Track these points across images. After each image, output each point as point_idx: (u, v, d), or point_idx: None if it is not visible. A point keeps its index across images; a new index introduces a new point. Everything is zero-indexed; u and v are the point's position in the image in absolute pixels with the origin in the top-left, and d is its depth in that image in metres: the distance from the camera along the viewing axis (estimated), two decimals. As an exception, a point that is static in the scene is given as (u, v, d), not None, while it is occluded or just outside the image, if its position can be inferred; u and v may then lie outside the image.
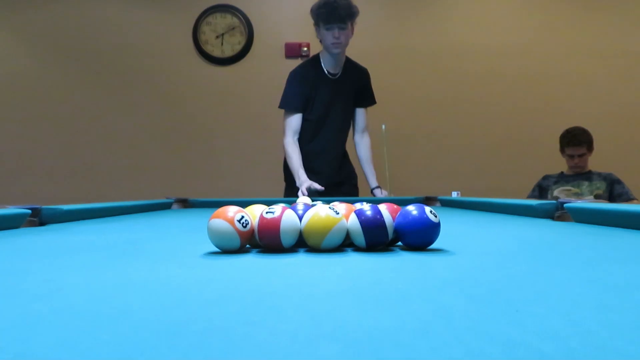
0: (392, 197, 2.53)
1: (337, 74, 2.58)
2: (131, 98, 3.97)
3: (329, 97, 2.56)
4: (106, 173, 3.94)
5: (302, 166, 2.55)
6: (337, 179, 2.69)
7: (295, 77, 2.58)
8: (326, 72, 2.56)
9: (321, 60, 2.57)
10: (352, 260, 0.72)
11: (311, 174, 2.51)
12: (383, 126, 2.75)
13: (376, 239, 0.78)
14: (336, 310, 0.42)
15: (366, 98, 2.70)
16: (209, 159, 3.96)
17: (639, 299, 0.45)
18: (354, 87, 2.63)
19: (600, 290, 0.49)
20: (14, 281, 0.58)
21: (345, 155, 2.77)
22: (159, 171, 3.94)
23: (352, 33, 2.49)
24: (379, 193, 2.66)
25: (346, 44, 2.47)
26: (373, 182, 2.71)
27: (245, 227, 0.77)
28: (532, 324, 0.36)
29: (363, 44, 3.97)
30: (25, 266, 0.69)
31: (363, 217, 0.78)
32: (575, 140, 3.03)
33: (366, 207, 0.80)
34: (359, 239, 0.78)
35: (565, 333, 0.34)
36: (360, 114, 2.73)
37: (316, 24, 2.47)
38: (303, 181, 2.44)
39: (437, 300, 0.46)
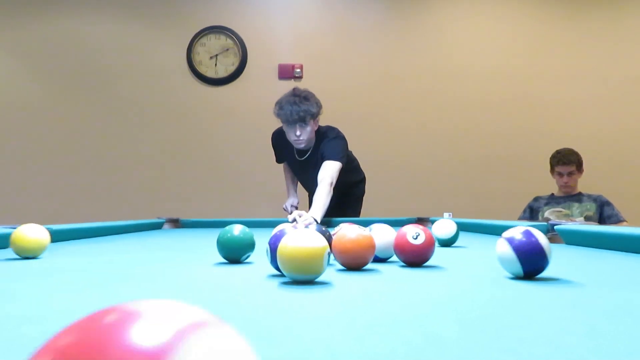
0: (385, 218, 2.53)
1: (305, 155, 2.54)
2: (124, 117, 3.98)
3: (299, 170, 2.64)
4: (97, 193, 3.91)
5: (292, 184, 2.79)
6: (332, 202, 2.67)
7: (272, 140, 2.69)
8: (295, 154, 2.56)
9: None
10: (343, 282, 0.72)
11: None
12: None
13: (535, 265, 0.71)
14: (327, 335, 0.42)
15: (325, 151, 2.42)
16: (201, 179, 3.96)
17: (628, 324, 0.46)
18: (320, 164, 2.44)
19: (590, 315, 0.49)
20: (2, 303, 0.57)
21: (349, 182, 2.68)
22: (150, 191, 3.92)
23: (317, 125, 2.46)
24: (294, 213, 2.30)
25: (310, 139, 2.45)
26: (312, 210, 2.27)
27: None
28: (522, 350, 0.36)
29: (354, 69, 4.02)
30: (14, 288, 0.68)
31: (516, 243, 0.71)
32: (565, 159, 3.09)
33: (515, 232, 0.73)
34: (515, 267, 0.72)
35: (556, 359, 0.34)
36: (322, 166, 2.43)
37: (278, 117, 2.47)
38: (288, 200, 2.76)
39: (427, 324, 0.45)
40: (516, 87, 4.06)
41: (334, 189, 2.34)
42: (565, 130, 3.99)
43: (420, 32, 4.08)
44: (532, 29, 4.11)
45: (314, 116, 2.41)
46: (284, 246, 0.69)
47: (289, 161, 2.70)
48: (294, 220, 2.12)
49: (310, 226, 0.91)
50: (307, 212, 2.27)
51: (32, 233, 1.04)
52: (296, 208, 2.68)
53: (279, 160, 2.76)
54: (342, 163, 2.39)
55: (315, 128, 2.46)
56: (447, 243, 1.33)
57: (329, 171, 2.32)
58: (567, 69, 4.07)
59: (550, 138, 3.88)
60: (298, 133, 2.40)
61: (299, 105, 2.35)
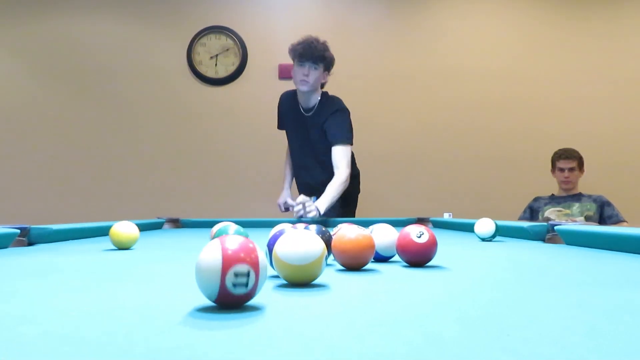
0: (385, 218, 2.53)
1: (312, 110, 2.57)
2: (124, 117, 3.97)
3: (301, 130, 2.62)
4: (97, 192, 3.91)
5: (287, 180, 2.85)
6: (318, 194, 2.67)
7: (279, 101, 2.78)
8: (301, 107, 2.61)
9: (298, 95, 2.62)
10: (343, 282, 0.71)
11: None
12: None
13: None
14: (327, 335, 0.41)
15: (333, 134, 2.47)
16: (201, 179, 3.95)
17: (628, 323, 0.46)
18: (322, 127, 2.53)
19: (590, 315, 0.49)
20: (0, 303, 0.57)
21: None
22: (150, 191, 3.92)
23: (325, 80, 2.55)
24: (290, 200, 2.50)
25: (315, 86, 2.50)
26: (319, 200, 2.38)
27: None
28: (523, 350, 0.36)
29: (354, 69, 4.02)
30: (12, 287, 0.68)
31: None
32: (567, 154, 3.12)
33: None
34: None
35: (557, 359, 0.34)
36: (333, 152, 2.48)
37: (292, 60, 2.54)
38: (282, 195, 2.82)
39: (428, 324, 0.45)
40: (516, 87, 4.06)
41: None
42: (565, 130, 3.99)
43: (420, 31, 4.08)
44: (532, 28, 4.10)
45: (327, 64, 2.50)
46: (277, 259, 0.68)
47: (290, 126, 2.71)
48: (301, 209, 2.22)
49: (310, 227, 0.91)
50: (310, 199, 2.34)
51: (125, 229, 1.25)
52: (285, 208, 2.75)
53: (280, 126, 2.80)
54: (351, 144, 2.52)
55: (324, 81, 2.55)
56: (489, 239, 1.51)
57: (343, 159, 2.42)
58: (567, 69, 4.07)
59: (550, 138, 3.88)
60: (307, 72, 2.44)
61: (317, 46, 2.45)
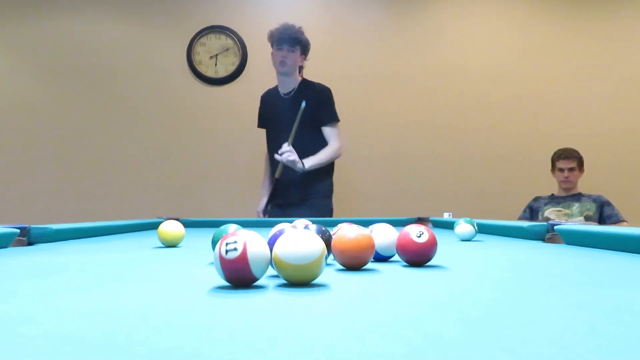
0: (385, 217, 2.53)
1: (290, 93, 2.77)
2: (124, 117, 3.97)
3: (278, 113, 2.79)
4: (96, 192, 3.91)
5: (269, 183, 2.90)
6: (296, 199, 2.73)
7: (260, 100, 2.97)
8: (281, 92, 2.82)
9: (278, 82, 2.86)
10: (343, 282, 0.71)
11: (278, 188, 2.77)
12: (303, 103, 2.66)
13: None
14: (327, 335, 0.41)
15: (322, 116, 2.71)
16: (201, 179, 3.95)
17: (628, 323, 0.46)
18: (307, 105, 2.65)
19: (590, 315, 0.49)
20: (0, 302, 0.57)
21: (312, 173, 2.69)
22: (150, 190, 3.92)
23: (302, 63, 2.76)
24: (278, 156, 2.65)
25: (293, 67, 2.71)
26: (308, 158, 2.65)
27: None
28: (523, 350, 0.36)
29: (354, 68, 4.02)
30: (12, 287, 0.68)
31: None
32: (567, 153, 3.12)
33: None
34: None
35: (556, 359, 0.34)
36: (324, 132, 2.75)
37: (272, 46, 2.76)
38: (261, 201, 2.89)
39: (428, 324, 0.45)
40: (516, 86, 4.06)
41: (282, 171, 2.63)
42: (565, 130, 3.99)
43: (420, 31, 4.08)
44: (532, 28, 4.11)
45: (304, 47, 2.72)
46: (277, 259, 0.68)
47: (272, 115, 2.85)
48: (285, 151, 2.54)
49: (309, 226, 0.91)
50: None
51: (172, 227, 1.32)
52: (264, 213, 2.84)
53: (261, 124, 2.96)
54: (339, 119, 2.76)
55: (301, 65, 2.75)
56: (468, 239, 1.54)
57: (335, 135, 2.70)
58: (567, 69, 4.07)
59: (550, 138, 3.87)
60: (285, 54, 2.66)
61: (293, 30, 2.66)
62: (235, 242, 0.65)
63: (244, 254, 0.64)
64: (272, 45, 2.74)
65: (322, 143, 2.73)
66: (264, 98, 2.94)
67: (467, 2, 4.10)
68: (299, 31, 2.69)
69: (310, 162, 2.60)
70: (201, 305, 0.55)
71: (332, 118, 2.72)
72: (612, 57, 4.08)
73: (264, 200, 2.87)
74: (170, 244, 1.34)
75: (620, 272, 0.82)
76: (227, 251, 0.64)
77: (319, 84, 2.81)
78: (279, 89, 2.83)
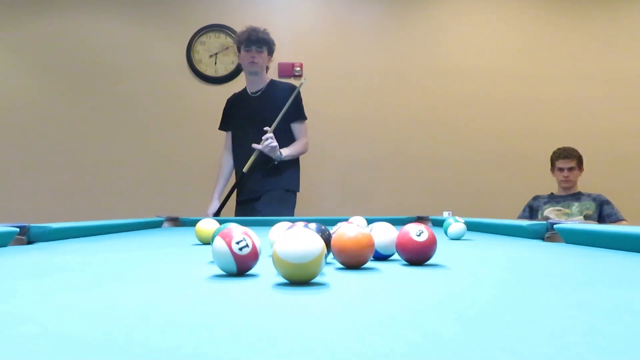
0: (385, 216, 2.53)
1: (258, 92, 2.86)
2: (124, 116, 3.97)
3: (247, 112, 2.86)
4: (96, 191, 3.91)
5: (218, 189, 3.03)
6: (255, 194, 2.80)
7: (226, 103, 3.02)
8: (249, 92, 2.90)
9: (247, 83, 2.95)
10: (342, 281, 0.71)
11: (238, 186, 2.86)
12: (303, 80, 2.84)
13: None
14: (326, 335, 0.41)
15: (291, 113, 2.77)
16: (201, 178, 3.95)
17: (628, 323, 0.46)
18: (274, 104, 2.75)
19: (589, 314, 0.49)
20: (0, 302, 0.57)
21: (274, 169, 2.77)
22: (149, 190, 3.92)
23: (268, 63, 2.87)
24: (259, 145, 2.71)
25: (262, 67, 2.82)
26: (284, 148, 2.74)
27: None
28: (523, 349, 0.36)
29: (354, 67, 4.02)
30: (12, 286, 0.68)
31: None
32: (566, 153, 3.12)
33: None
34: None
35: (556, 358, 0.34)
36: (293, 128, 2.85)
37: (239, 50, 2.86)
38: (212, 204, 2.98)
39: (427, 323, 0.45)
40: (516, 86, 4.06)
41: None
42: (565, 130, 3.99)
43: (420, 30, 4.08)
44: (532, 28, 4.10)
45: (270, 48, 2.84)
46: (276, 257, 0.68)
47: (239, 114, 2.91)
48: (268, 138, 2.62)
49: (309, 225, 0.90)
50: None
51: (208, 225, 1.38)
52: (217, 213, 2.89)
53: (223, 126, 3.02)
54: (306, 118, 2.86)
55: (268, 65, 2.87)
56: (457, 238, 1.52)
57: (303, 133, 2.84)
58: (567, 69, 4.07)
59: (550, 138, 3.88)
60: (253, 55, 2.77)
61: (260, 32, 2.78)
62: (244, 239, 0.74)
63: (255, 250, 0.74)
64: (239, 48, 2.85)
65: (290, 139, 2.84)
66: (232, 100, 3.01)
67: (467, 2, 4.10)
68: (265, 32, 2.82)
69: (286, 151, 2.72)
70: (201, 305, 0.55)
71: (300, 116, 2.85)
72: (612, 57, 4.08)
73: (217, 203, 2.96)
74: (208, 242, 1.34)
75: (619, 271, 0.82)
76: (240, 248, 0.73)
77: (287, 83, 2.93)
78: (248, 89, 2.92)
